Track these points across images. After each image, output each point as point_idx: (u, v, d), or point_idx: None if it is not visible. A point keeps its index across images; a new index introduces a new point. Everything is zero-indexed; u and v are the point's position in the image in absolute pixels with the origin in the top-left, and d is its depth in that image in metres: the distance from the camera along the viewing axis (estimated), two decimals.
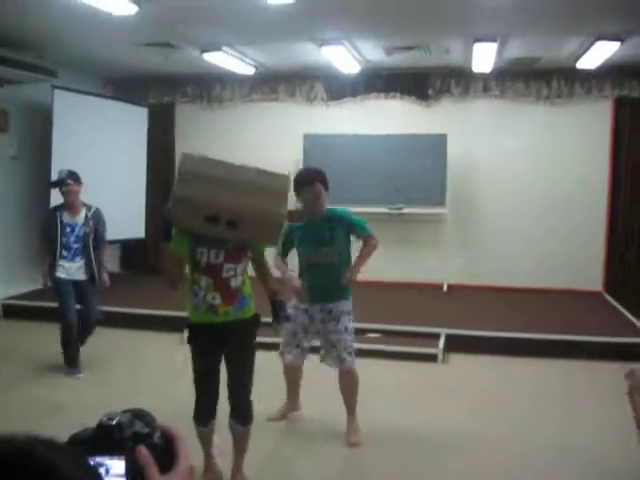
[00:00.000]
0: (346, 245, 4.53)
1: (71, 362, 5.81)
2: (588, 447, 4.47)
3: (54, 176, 8.21)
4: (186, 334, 3.83)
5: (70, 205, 5.78)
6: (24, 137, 8.52)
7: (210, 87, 10.06)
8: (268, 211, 3.47)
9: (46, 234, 5.88)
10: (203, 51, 7.82)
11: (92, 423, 0.98)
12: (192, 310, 3.71)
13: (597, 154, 8.95)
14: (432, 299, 8.49)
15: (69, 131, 8.46)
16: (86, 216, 5.82)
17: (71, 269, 5.79)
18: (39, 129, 8.47)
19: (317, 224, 4.42)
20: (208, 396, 3.76)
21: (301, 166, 9.25)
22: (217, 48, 7.73)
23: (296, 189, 4.29)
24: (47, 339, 6.29)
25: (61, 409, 4.96)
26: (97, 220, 5.90)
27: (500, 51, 7.61)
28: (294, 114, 9.81)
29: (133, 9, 5.86)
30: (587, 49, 7.40)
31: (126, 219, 8.68)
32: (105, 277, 6.00)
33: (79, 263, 5.80)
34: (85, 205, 5.88)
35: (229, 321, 3.65)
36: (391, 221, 9.15)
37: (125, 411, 1.01)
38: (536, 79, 9.00)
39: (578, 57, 7.83)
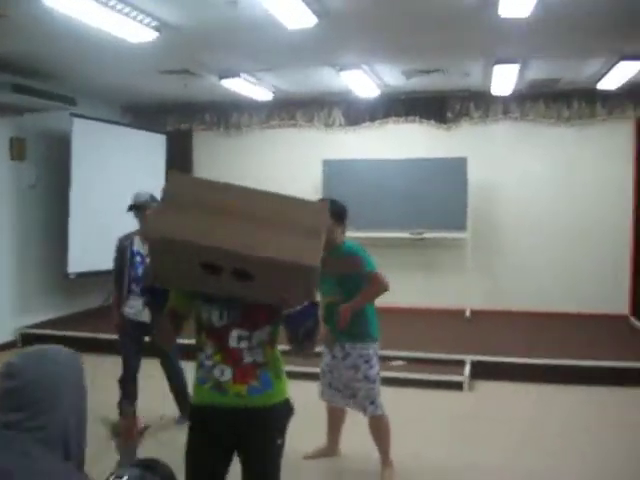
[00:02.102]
0: (357, 285, 4.11)
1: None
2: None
3: (73, 204, 8.25)
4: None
5: None
6: (42, 165, 8.51)
7: (228, 113, 10.05)
8: (300, 254, 2.32)
9: (116, 267, 5.11)
10: (221, 77, 7.80)
11: None
12: (195, 386, 2.73)
13: (620, 175, 8.81)
14: (455, 325, 8.34)
15: (87, 159, 8.46)
16: None
17: (139, 307, 4.83)
18: (57, 157, 8.46)
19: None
20: None
21: (320, 192, 9.22)
22: (235, 74, 7.72)
23: None
24: None
25: None
26: None
27: (520, 73, 7.53)
28: (313, 140, 9.78)
29: (151, 36, 5.84)
30: (608, 70, 7.32)
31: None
32: None
33: None
34: None
35: (241, 407, 2.62)
36: (412, 246, 9.05)
37: (135, 464, 0.91)
38: (556, 101, 8.91)
39: (599, 78, 7.74)
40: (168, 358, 5.14)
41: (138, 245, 5.00)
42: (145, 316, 4.82)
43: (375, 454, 4.43)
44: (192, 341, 2.70)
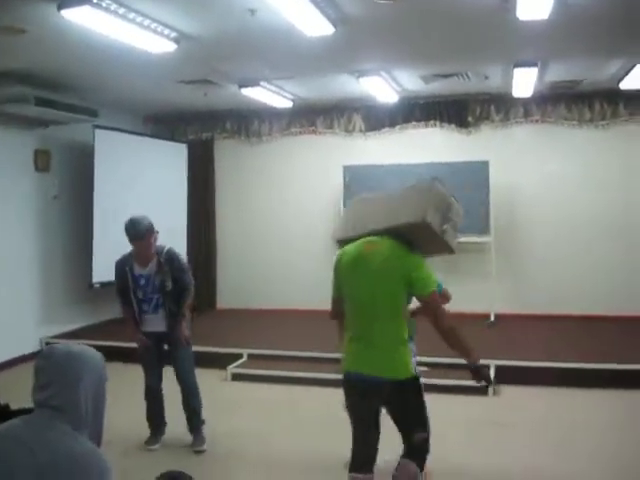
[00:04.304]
0: None
1: (150, 430, 5.18)
2: None
3: (97, 214, 8.33)
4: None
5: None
6: (66, 177, 8.62)
7: (248, 122, 10.10)
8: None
9: (120, 291, 5.16)
10: (241, 86, 7.85)
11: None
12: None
13: None
14: (479, 329, 8.27)
15: (110, 170, 8.55)
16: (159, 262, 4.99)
17: (155, 321, 5.03)
18: (80, 168, 8.56)
19: None
20: None
21: (341, 198, 9.23)
22: (255, 83, 7.76)
23: None
24: None
25: None
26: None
27: (541, 75, 7.50)
28: (333, 146, 9.79)
29: (171, 47, 5.89)
30: (630, 70, 7.25)
31: None
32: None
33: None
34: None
35: None
36: None
37: (159, 477, 0.91)
38: (578, 102, 8.84)
39: (621, 78, 7.68)
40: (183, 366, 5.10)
41: (138, 270, 4.99)
42: (162, 326, 4.98)
43: None
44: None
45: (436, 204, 3.40)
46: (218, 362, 7.08)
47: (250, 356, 7.36)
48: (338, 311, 3.56)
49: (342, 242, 3.60)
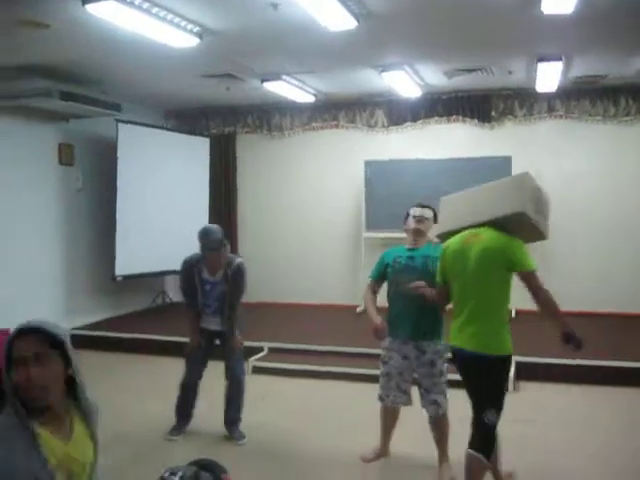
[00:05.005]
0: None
1: (177, 420, 5.23)
2: None
3: (120, 207, 8.40)
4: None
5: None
6: (89, 170, 8.70)
7: (270, 116, 10.11)
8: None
9: (185, 287, 5.22)
10: (263, 81, 7.87)
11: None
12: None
13: None
14: None
15: (133, 163, 8.62)
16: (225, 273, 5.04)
17: (214, 321, 5.14)
18: (104, 162, 8.64)
19: (416, 253, 4.33)
20: None
21: (363, 193, 9.22)
22: (277, 77, 7.77)
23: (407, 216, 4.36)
24: (119, 369, 6.31)
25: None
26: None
27: (565, 70, 7.43)
28: (355, 141, 9.78)
29: (194, 42, 5.92)
30: None
31: (189, 249, 8.71)
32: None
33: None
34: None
35: None
36: None
37: (191, 463, 0.93)
38: (602, 97, 8.75)
39: None
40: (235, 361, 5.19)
41: (206, 275, 5.04)
42: (219, 326, 5.10)
43: (419, 453, 4.46)
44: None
45: (530, 195, 3.76)
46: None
47: (271, 349, 7.39)
48: (442, 295, 3.96)
49: (443, 236, 4.04)
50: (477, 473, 3.61)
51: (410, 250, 4.36)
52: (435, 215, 4.35)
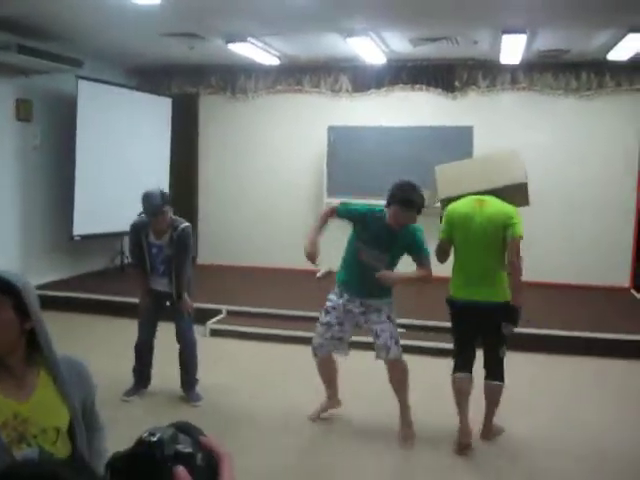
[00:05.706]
0: (398, 259, 4.48)
1: (134, 382, 5.30)
2: (623, 451, 4.40)
3: (79, 166, 8.28)
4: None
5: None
6: (48, 127, 8.52)
7: (235, 78, 10.00)
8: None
9: (133, 250, 5.26)
10: (228, 41, 7.77)
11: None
12: None
13: (627, 148, 8.77)
14: None
15: (93, 121, 8.47)
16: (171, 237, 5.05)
17: (163, 282, 5.18)
18: (63, 119, 8.46)
19: (386, 229, 4.33)
20: None
21: (325, 158, 9.22)
22: (242, 39, 7.67)
23: (394, 201, 4.27)
24: (77, 330, 6.31)
25: None
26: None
27: (529, 43, 7.48)
28: (319, 106, 9.74)
29: None
30: (618, 41, 7.25)
31: None
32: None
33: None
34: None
35: None
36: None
37: (169, 425, 0.95)
38: (565, 71, 8.84)
39: (609, 49, 7.67)
40: (185, 324, 5.25)
41: (152, 238, 5.06)
42: (167, 287, 5.15)
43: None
44: None
45: (525, 168, 4.56)
46: (197, 318, 7.09)
47: (229, 312, 7.42)
48: (445, 251, 4.40)
49: (444, 201, 4.52)
50: (499, 398, 4.32)
51: (388, 228, 4.33)
52: (423, 202, 4.30)
